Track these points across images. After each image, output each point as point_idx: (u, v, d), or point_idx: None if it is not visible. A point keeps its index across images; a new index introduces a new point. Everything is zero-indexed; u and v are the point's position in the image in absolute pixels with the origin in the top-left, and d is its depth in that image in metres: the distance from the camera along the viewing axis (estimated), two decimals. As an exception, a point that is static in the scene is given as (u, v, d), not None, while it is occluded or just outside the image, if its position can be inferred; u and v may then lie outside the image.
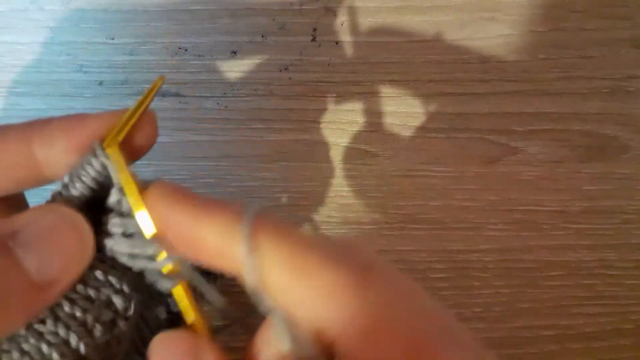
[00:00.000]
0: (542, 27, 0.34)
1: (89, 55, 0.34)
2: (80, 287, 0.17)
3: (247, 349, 0.17)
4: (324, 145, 0.34)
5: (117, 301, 0.18)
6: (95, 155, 0.18)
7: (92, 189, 0.18)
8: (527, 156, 0.34)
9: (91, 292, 0.18)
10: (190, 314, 0.18)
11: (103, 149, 0.18)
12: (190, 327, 0.18)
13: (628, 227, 0.34)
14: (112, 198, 0.18)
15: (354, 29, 0.34)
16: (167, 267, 0.17)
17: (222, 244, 0.16)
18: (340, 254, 0.15)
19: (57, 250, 0.16)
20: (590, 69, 0.34)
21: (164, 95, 0.34)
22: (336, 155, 0.34)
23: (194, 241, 0.16)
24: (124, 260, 0.18)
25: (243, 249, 0.15)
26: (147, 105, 0.19)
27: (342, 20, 0.34)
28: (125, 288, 0.18)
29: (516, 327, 0.33)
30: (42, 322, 0.17)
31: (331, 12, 0.34)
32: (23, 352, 0.16)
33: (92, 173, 0.18)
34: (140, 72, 0.34)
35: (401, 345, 0.14)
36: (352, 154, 0.34)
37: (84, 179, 0.18)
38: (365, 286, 0.14)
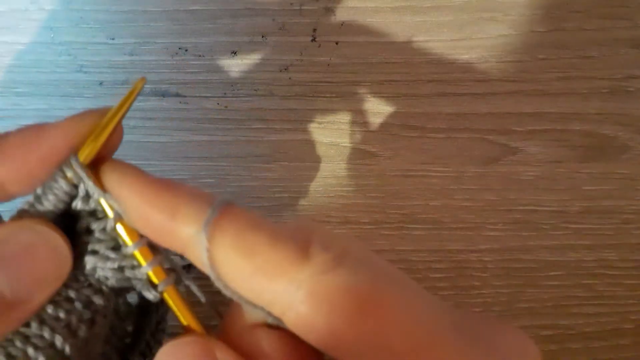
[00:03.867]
0: (542, 27, 0.34)
1: (89, 56, 0.34)
2: (62, 289, 0.17)
3: (220, 330, 0.18)
4: (323, 145, 0.34)
5: (98, 301, 0.18)
6: (68, 167, 0.17)
7: (65, 202, 0.18)
8: (527, 156, 0.34)
9: (72, 294, 0.18)
10: (185, 316, 0.18)
11: (78, 164, 0.17)
12: (186, 330, 0.18)
13: (628, 227, 0.34)
14: (88, 219, 0.18)
15: (354, 29, 0.34)
16: (155, 272, 0.17)
17: (171, 223, 0.16)
18: (289, 233, 0.15)
19: (31, 270, 0.16)
20: (590, 69, 0.34)
21: (164, 95, 0.34)
22: (336, 155, 0.34)
23: (146, 219, 0.16)
24: (109, 275, 0.18)
25: (192, 227, 0.15)
26: (127, 109, 0.18)
27: (342, 20, 0.34)
28: (105, 287, 0.18)
29: (516, 327, 0.33)
30: (27, 325, 0.17)
31: (331, 12, 0.34)
32: (10, 357, 0.16)
33: (65, 187, 0.18)
34: (140, 72, 0.34)
35: (350, 304, 0.14)
36: (352, 154, 0.34)
37: (56, 192, 0.18)
38: (306, 261, 0.15)
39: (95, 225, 0.18)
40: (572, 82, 0.34)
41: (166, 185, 0.16)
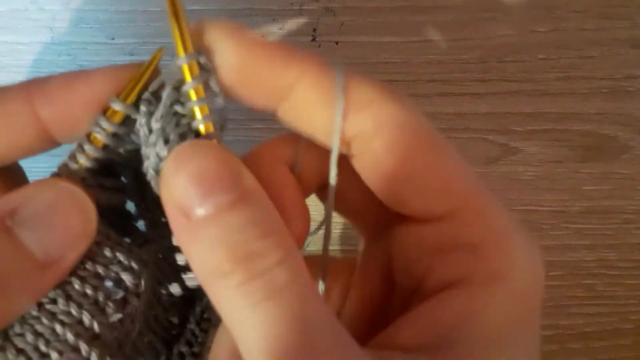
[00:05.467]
0: (542, 27, 0.34)
1: (89, 56, 0.34)
2: (89, 265, 0.17)
3: None
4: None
5: (127, 278, 0.18)
6: (111, 109, 0.17)
7: (106, 151, 0.18)
8: (527, 156, 0.34)
9: (100, 270, 0.17)
10: (206, 125, 0.18)
11: (120, 101, 0.17)
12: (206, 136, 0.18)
13: (628, 227, 0.34)
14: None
15: (354, 29, 0.34)
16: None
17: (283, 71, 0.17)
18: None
19: (59, 228, 0.16)
20: (590, 69, 0.34)
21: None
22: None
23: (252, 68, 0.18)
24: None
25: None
26: (154, 67, 0.19)
27: (342, 20, 0.34)
28: (134, 264, 0.18)
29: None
30: (54, 301, 0.16)
31: (331, 12, 0.34)
32: (37, 334, 0.16)
33: (109, 127, 0.17)
34: (140, 72, 0.34)
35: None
36: (352, 154, 0.34)
37: (98, 136, 0.18)
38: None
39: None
40: (572, 82, 0.34)
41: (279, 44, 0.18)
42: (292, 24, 0.34)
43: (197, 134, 0.18)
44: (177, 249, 0.17)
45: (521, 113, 0.34)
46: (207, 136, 0.18)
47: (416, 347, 0.17)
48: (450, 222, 0.18)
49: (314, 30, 0.34)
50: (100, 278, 0.17)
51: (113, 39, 0.34)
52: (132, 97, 0.18)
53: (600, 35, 0.34)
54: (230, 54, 0.17)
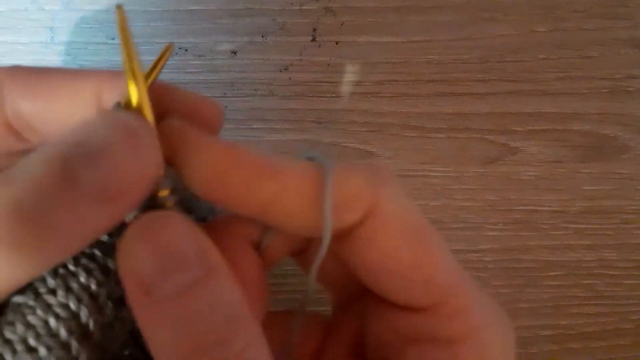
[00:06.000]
0: (542, 27, 0.34)
1: (89, 56, 0.34)
2: (99, 256, 0.16)
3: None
4: (323, 146, 0.34)
5: None
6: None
7: None
8: (527, 156, 0.34)
9: (110, 264, 0.16)
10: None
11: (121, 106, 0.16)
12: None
13: (628, 227, 0.34)
14: None
15: (354, 29, 0.34)
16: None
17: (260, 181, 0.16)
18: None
19: (118, 162, 0.14)
20: (590, 69, 0.34)
21: (164, 95, 0.34)
22: (336, 156, 0.34)
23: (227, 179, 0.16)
24: None
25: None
26: (160, 70, 0.18)
27: (342, 20, 0.34)
28: None
29: (516, 327, 0.33)
30: (53, 292, 0.15)
31: (331, 12, 0.34)
32: (28, 325, 0.15)
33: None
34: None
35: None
36: (352, 154, 0.34)
37: None
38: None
39: None
40: (572, 82, 0.34)
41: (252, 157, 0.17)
42: (292, 24, 0.34)
43: (156, 205, 0.17)
44: None
45: (521, 113, 0.34)
46: (170, 207, 0.17)
47: None
48: (430, 315, 0.18)
49: (314, 30, 0.34)
50: (107, 273, 0.16)
51: (113, 39, 0.34)
52: (143, 93, 0.17)
53: (600, 35, 0.34)
54: (201, 170, 0.16)
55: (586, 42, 0.34)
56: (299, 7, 0.34)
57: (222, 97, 0.34)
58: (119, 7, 0.16)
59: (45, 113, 0.18)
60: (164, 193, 0.16)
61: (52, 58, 0.34)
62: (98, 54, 0.34)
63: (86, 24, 0.34)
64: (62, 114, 0.18)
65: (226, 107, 0.34)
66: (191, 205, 0.19)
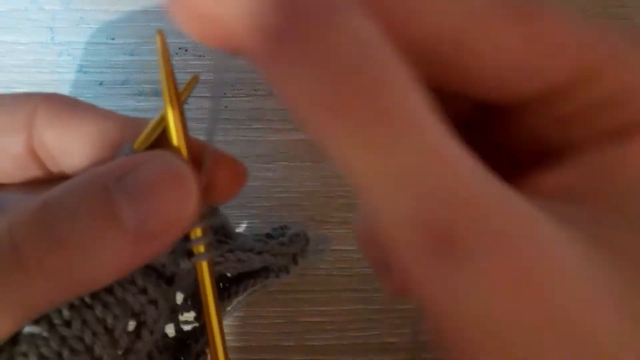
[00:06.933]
0: (542, 27, 0.34)
1: (89, 56, 0.34)
2: (118, 290, 0.16)
3: None
4: (324, 145, 0.34)
5: (150, 312, 0.16)
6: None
7: None
8: (527, 156, 0.34)
9: (128, 298, 0.16)
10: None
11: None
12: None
13: (628, 227, 0.34)
14: None
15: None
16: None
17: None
18: None
19: (159, 204, 0.15)
20: (590, 69, 0.34)
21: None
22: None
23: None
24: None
25: None
26: (183, 103, 0.18)
27: (342, 20, 0.34)
28: (160, 299, 0.16)
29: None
30: (68, 324, 0.15)
31: (331, 12, 0.34)
32: (41, 357, 0.15)
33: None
34: (140, 72, 0.34)
35: None
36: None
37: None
38: None
39: None
40: (572, 82, 0.34)
41: None
42: (292, 24, 0.34)
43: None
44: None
45: (521, 113, 0.34)
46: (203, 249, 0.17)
47: (561, 195, 0.14)
48: (580, 99, 0.14)
49: (314, 30, 0.34)
50: (125, 307, 0.16)
51: (113, 39, 0.34)
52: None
53: (600, 35, 0.34)
54: None
55: (586, 42, 0.34)
56: (299, 7, 0.34)
57: (222, 97, 0.34)
58: (159, 32, 0.16)
59: (67, 147, 0.18)
60: (197, 233, 0.17)
61: (52, 58, 0.34)
62: (98, 54, 0.34)
63: (86, 24, 0.34)
64: (82, 151, 0.18)
65: (226, 107, 0.34)
66: (229, 236, 0.19)
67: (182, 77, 0.34)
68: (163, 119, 0.17)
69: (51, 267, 0.13)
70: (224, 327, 0.17)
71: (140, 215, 0.14)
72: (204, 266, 0.17)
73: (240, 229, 0.34)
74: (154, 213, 0.14)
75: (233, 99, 0.34)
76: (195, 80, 0.18)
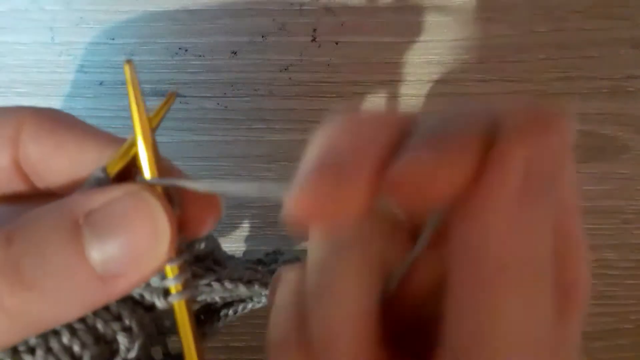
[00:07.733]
0: (542, 27, 0.34)
1: (89, 56, 0.34)
2: (89, 317, 0.15)
3: None
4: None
5: (122, 340, 0.15)
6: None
7: None
8: (527, 156, 0.34)
9: (99, 325, 0.15)
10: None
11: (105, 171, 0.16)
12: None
13: (628, 227, 0.34)
14: None
15: (354, 29, 0.34)
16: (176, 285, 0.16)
17: None
18: None
19: (126, 241, 0.14)
20: (590, 69, 0.34)
21: (164, 95, 0.34)
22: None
23: None
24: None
25: None
26: (163, 117, 0.18)
27: (342, 20, 0.34)
28: (134, 326, 0.16)
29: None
30: (32, 351, 0.14)
31: (331, 12, 0.34)
32: None
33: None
34: (140, 72, 0.33)
35: None
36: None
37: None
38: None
39: None
40: (573, 82, 0.34)
41: None
42: (292, 24, 0.34)
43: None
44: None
45: (521, 113, 0.34)
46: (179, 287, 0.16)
47: None
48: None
49: (314, 30, 0.34)
50: (95, 334, 0.15)
51: (113, 39, 0.34)
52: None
53: (600, 35, 0.34)
54: None
55: (586, 42, 0.34)
56: (299, 7, 0.34)
57: (222, 97, 0.34)
58: (128, 62, 0.15)
59: (49, 163, 0.17)
60: (174, 271, 0.16)
61: (52, 58, 0.34)
62: (98, 54, 0.34)
63: (86, 24, 0.34)
64: (64, 168, 0.17)
65: (226, 107, 0.34)
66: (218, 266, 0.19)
67: (182, 77, 0.34)
68: (133, 145, 0.17)
69: (13, 308, 0.13)
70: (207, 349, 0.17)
71: (106, 254, 0.14)
72: (182, 305, 0.16)
73: (240, 229, 0.34)
74: (122, 251, 0.14)
75: (233, 99, 0.34)
76: (171, 99, 0.18)
